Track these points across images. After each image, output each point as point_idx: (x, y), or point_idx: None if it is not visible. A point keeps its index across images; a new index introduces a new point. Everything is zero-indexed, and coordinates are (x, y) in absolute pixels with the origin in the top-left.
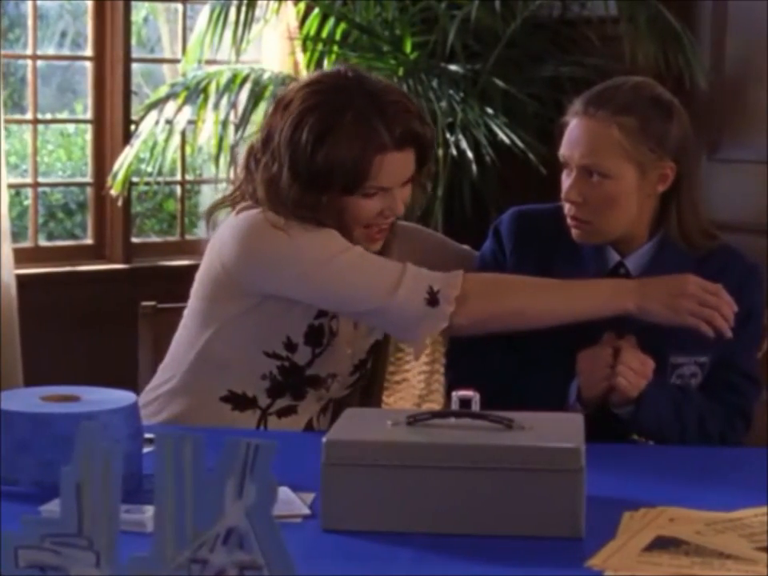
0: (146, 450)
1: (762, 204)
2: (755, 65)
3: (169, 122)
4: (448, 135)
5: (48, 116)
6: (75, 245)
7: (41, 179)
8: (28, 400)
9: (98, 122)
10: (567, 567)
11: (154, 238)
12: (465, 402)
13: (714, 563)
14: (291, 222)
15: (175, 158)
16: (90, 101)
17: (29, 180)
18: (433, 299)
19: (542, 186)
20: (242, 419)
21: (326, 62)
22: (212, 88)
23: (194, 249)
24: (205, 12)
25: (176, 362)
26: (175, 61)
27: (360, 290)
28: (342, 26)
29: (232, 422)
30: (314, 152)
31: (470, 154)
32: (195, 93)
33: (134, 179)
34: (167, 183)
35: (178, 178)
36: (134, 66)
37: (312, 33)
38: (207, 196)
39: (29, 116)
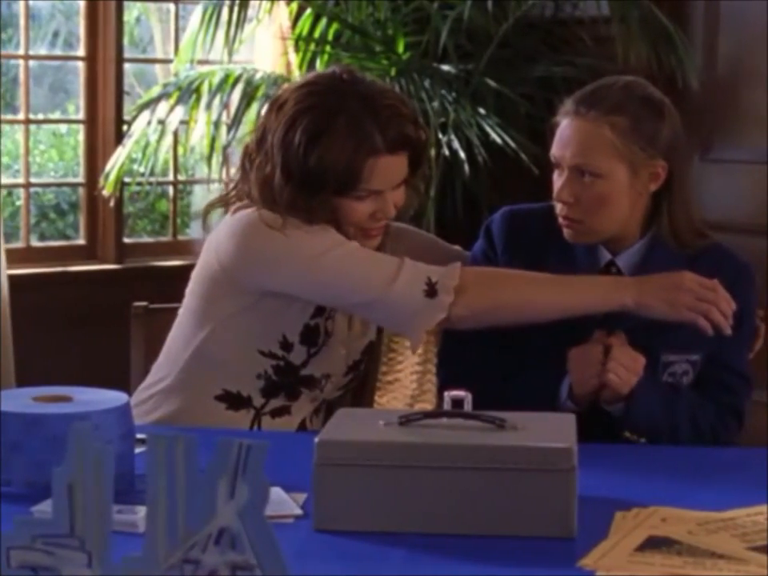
0: (138, 450)
1: (754, 204)
2: (747, 65)
3: (161, 122)
4: (440, 135)
5: (40, 116)
6: (67, 245)
7: (33, 179)
8: (20, 400)
9: (91, 122)
10: (559, 567)
11: (146, 239)
12: (457, 402)
13: (707, 563)
14: (286, 220)
15: (167, 158)
16: (82, 101)
17: (21, 180)
18: (431, 290)
19: (534, 185)
20: (236, 419)
21: (318, 62)
22: (204, 88)
23: (187, 249)
24: (197, 12)
25: (171, 360)
26: (167, 61)
27: (357, 281)
28: (335, 25)
29: (226, 422)
30: (306, 153)
31: (462, 154)
32: (187, 93)
33: (126, 179)
34: (159, 183)
35: (171, 178)
36: (127, 66)
37: (304, 33)
38: (199, 196)
39: (21, 116)
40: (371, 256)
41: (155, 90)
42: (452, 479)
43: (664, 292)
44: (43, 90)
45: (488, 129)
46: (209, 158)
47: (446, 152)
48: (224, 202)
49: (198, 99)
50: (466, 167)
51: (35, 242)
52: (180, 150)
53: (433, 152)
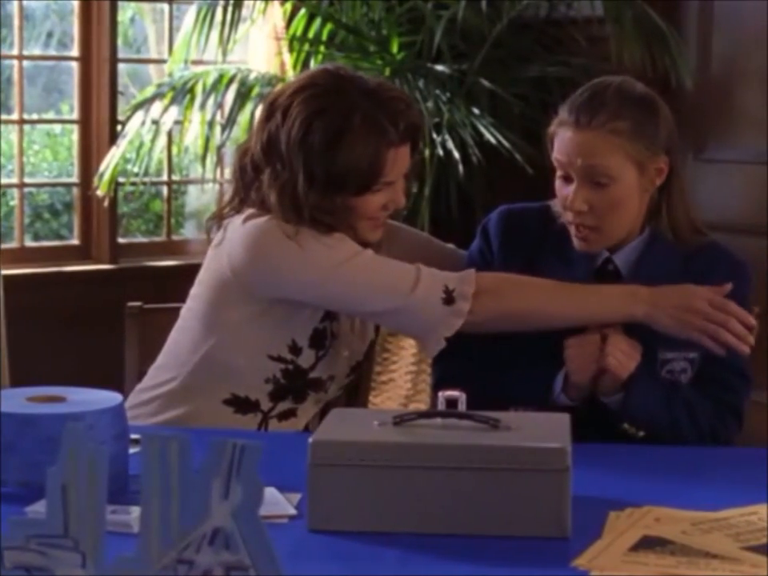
0: (132, 450)
1: (748, 204)
2: (741, 65)
3: (155, 122)
4: (434, 135)
5: (34, 116)
6: (61, 245)
7: (27, 179)
8: (14, 400)
9: (85, 123)
10: (553, 567)
11: (141, 239)
12: (451, 402)
13: (700, 563)
14: (302, 229)
15: (161, 159)
16: (76, 101)
17: (15, 180)
18: (449, 298)
19: (529, 185)
20: (244, 422)
21: (312, 62)
22: (198, 88)
23: (181, 249)
24: (191, 12)
25: (177, 363)
26: (162, 61)
27: (378, 290)
28: (329, 26)
29: (233, 425)
30: (329, 155)
31: (456, 154)
32: (182, 93)
33: (121, 179)
34: (153, 183)
35: (165, 178)
36: (121, 66)
37: (298, 33)
38: (193, 196)
39: (15, 116)
40: (389, 264)
41: (149, 90)
42: (446, 479)
43: (674, 309)
44: (37, 90)
45: (482, 129)
46: (203, 158)
47: (441, 152)
48: (228, 211)
49: (192, 99)
50: (461, 167)
51: (29, 242)
52: (174, 150)
53: (427, 152)
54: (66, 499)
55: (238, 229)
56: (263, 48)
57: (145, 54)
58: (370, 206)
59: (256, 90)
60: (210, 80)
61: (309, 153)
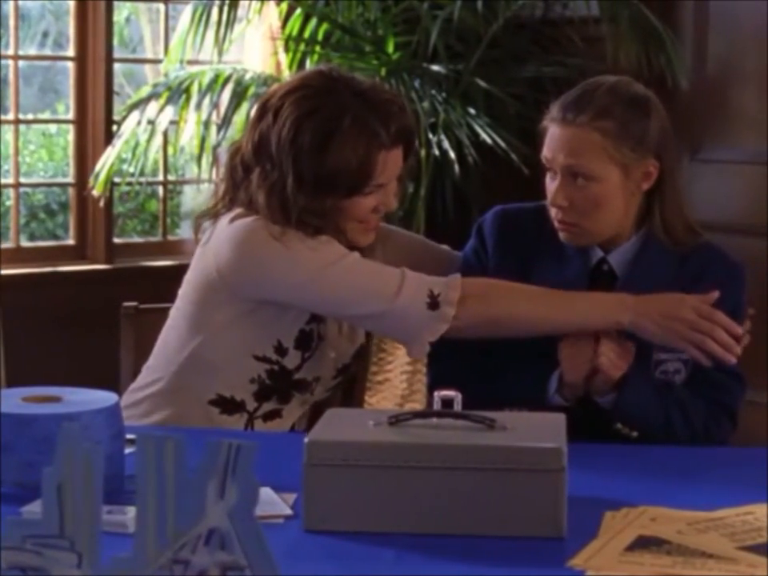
0: (127, 450)
1: (744, 204)
2: (737, 65)
3: (151, 122)
4: (430, 135)
5: (30, 116)
6: (57, 245)
7: (22, 179)
8: (9, 401)
9: (80, 123)
10: (549, 567)
11: (136, 239)
12: (447, 402)
13: (696, 563)
14: (289, 230)
15: (157, 159)
16: (71, 101)
17: (10, 180)
18: (434, 302)
19: (525, 185)
20: (230, 423)
21: (308, 63)
22: (194, 88)
23: (177, 249)
24: (187, 12)
25: (164, 363)
26: (157, 61)
27: (362, 294)
28: (325, 26)
29: (220, 426)
30: (319, 157)
31: (452, 154)
32: (177, 93)
33: (116, 179)
34: (149, 183)
35: (160, 178)
36: (116, 66)
37: (294, 33)
38: (189, 196)
39: (10, 116)
40: (374, 268)
41: (145, 90)
42: (442, 479)
43: (660, 317)
44: (33, 90)
45: (478, 129)
46: (199, 158)
47: (436, 152)
48: (214, 211)
49: (188, 99)
50: (456, 167)
51: (25, 242)
52: (170, 150)
53: (423, 152)
54: (61, 499)
55: (225, 228)
56: (259, 48)
57: (140, 54)
58: (360, 209)
59: (252, 90)
60: (206, 80)
61: (298, 154)
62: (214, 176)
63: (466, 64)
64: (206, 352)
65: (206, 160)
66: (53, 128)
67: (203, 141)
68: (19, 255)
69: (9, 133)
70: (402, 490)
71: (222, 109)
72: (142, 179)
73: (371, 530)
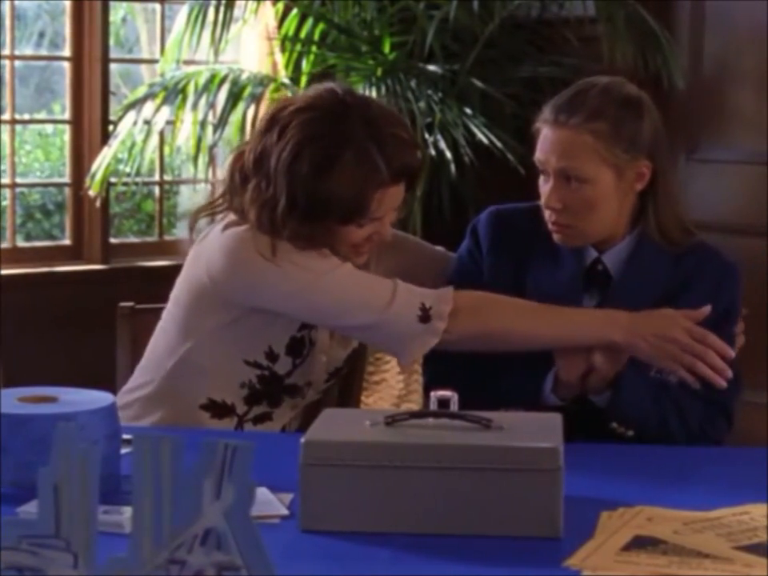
0: (124, 450)
1: (740, 204)
2: (733, 65)
3: (147, 122)
4: (426, 135)
5: (26, 116)
6: (53, 245)
7: (18, 180)
8: (5, 401)
9: (76, 123)
10: (545, 567)
11: (132, 239)
12: (443, 402)
13: (692, 563)
14: (277, 244)
15: (153, 159)
16: (68, 101)
17: (6, 180)
18: (425, 316)
19: (521, 185)
20: (220, 427)
21: (304, 63)
22: (190, 88)
23: (173, 249)
24: (183, 12)
25: (154, 366)
26: (153, 61)
27: (353, 305)
28: (321, 26)
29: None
30: (314, 184)
31: (448, 155)
32: (173, 93)
33: (112, 180)
34: (145, 184)
35: (157, 178)
36: (113, 66)
37: (290, 33)
38: (186, 196)
39: (6, 116)
40: (366, 280)
41: (141, 90)
42: (438, 479)
43: (653, 337)
44: (29, 90)
45: (474, 129)
46: (195, 158)
47: (433, 152)
48: (211, 209)
49: (184, 99)
50: (453, 167)
51: (21, 243)
52: (166, 150)
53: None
54: (57, 499)
55: (218, 236)
56: (255, 48)
57: (136, 54)
58: (353, 237)
59: (248, 90)
60: (202, 80)
61: (295, 177)
62: (210, 176)
63: (462, 64)
64: (197, 357)
65: (202, 160)
66: (49, 128)
67: (199, 141)
68: (15, 255)
69: (5, 133)
70: (398, 490)
71: (219, 109)
72: (139, 179)
73: (367, 530)
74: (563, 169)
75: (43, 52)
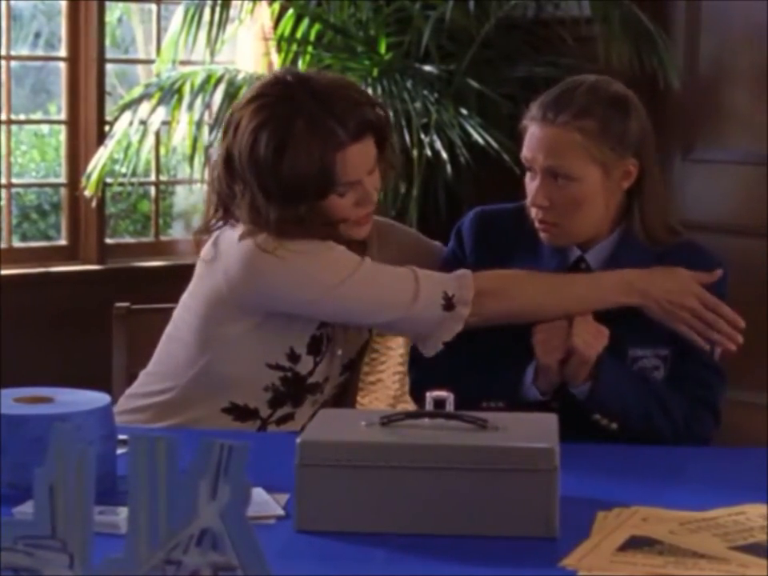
0: (119, 451)
1: (736, 204)
2: (729, 65)
3: (143, 122)
4: (422, 136)
5: (22, 117)
6: (49, 246)
7: (14, 180)
8: (1, 401)
9: (72, 123)
10: (541, 567)
11: (128, 239)
12: (439, 403)
13: (688, 563)
14: (284, 244)
15: (149, 159)
16: (63, 101)
17: (2, 181)
18: (449, 304)
19: (517, 186)
20: (243, 429)
21: (300, 63)
22: (186, 88)
23: (169, 249)
24: (179, 12)
25: (173, 375)
26: (149, 61)
27: (378, 305)
28: (317, 26)
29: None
30: (276, 167)
31: (444, 155)
32: (169, 93)
33: (108, 180)
34: (141, 184)
35: (153, 178)
36: (108, 66)
37: (286, 33)
38: (181, 197)
39: (2, 117)
40: (387, 277)
41: (137, 91)
42: (434, 479)
43: (667, 302)
44: (25, 91)
45: (470, 129)
46: (191, 159)
47: (429, 153)
48: (207, 228)
49: (180, 100)
50: (449, 168)
51: (17, 243)
52: (162, 151)
53: (415, 152)
54: (53, 500)
55: (234, 246)
56: (251, 48)
57: (132, 55)
58: (340, 209)
59: (244, 91)
60: (198, 80)
61: (258, 166)
62: (206, 176)
63: (457, 64)
64: (219, 366)
65: (198, 160)
66: (45, 128)
67: (195, 141)
68: (11, 256)
69: (1, 133)
70: (393, 491)
71: (214, 109)
72: (134, 179)
73: (363, 531)
74: (551, 167)
75: (39, 52)
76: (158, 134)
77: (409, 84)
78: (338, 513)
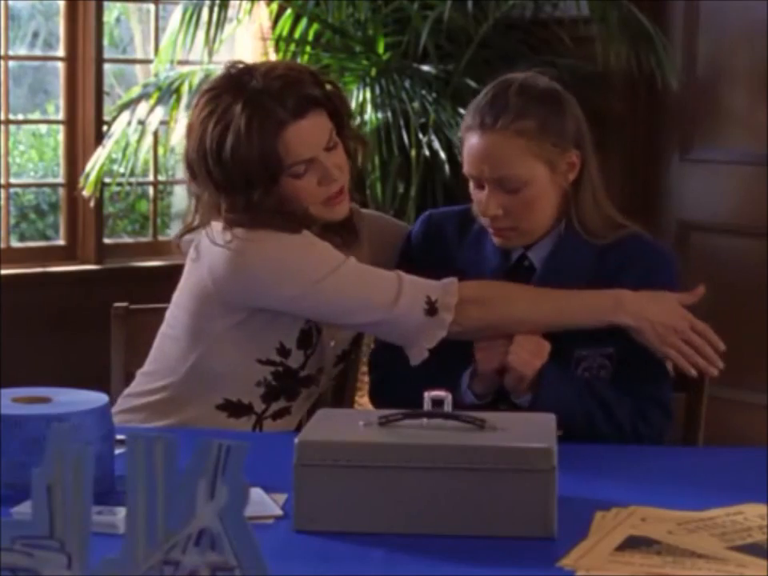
0: (117, 451)
1: (733, 204)
2: (727, 65)
3: (141, 122)
4: (420, 136)
5: (20, 116)
6: (47, 246)
7: (12, 180)
8: None
9: (70, 123)
10: (539, 567)
11: (126, 239)
12: (437, 403)
13: (686, 563)
14: (280, 236)
15: (147, 159)
16: (62, 101)
17: (0, 181)
18: (431, 309)
19: None
20: (238, 426)
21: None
22: (184, 88)
23: (167, 249)
24: (177, 12)
25: (166, 373)
26: (147, 61)
27: (359, 304)
28: (315, 26)
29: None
30: (220, 155)
31: (442, 155)
32: (168, 93)
33: (107, 180)
34: (139, 184)
35: (151, 178)
36: (107, 66)
37: (285, 33)
38: (180, 197)
39: (0, 117)
40: (371, 275)
41: (135, 91)
42: (432, 479)
43: (660, 325)
44: (23, 91)
45: None
46: None
47: (427, 152)
48: (190, 228)
49: (179, 99)
50: (447, 168)
51: (15, 243)
52: (160, 151)
53: (413, 152)
54: (51, 500)
55: (218, 239)
56: (249, 48)
57: (131, 55)
58: (302, 191)
59: None
60: (196, 80)
61: (205, 160)
62: None
63: (456, 64)
64: (209, 362)
65: None
66: (43, 128)
67: None
68: (9, 256)
69: None
70: (392, 491)
71: None
72: (132, 179)
73: (361, 531)
74: (499, 178)
75: (37, 52)
76: (156, 134)
77: (407, 84)
78: (336, 513)
